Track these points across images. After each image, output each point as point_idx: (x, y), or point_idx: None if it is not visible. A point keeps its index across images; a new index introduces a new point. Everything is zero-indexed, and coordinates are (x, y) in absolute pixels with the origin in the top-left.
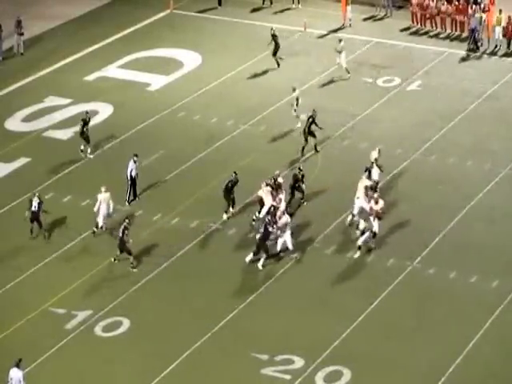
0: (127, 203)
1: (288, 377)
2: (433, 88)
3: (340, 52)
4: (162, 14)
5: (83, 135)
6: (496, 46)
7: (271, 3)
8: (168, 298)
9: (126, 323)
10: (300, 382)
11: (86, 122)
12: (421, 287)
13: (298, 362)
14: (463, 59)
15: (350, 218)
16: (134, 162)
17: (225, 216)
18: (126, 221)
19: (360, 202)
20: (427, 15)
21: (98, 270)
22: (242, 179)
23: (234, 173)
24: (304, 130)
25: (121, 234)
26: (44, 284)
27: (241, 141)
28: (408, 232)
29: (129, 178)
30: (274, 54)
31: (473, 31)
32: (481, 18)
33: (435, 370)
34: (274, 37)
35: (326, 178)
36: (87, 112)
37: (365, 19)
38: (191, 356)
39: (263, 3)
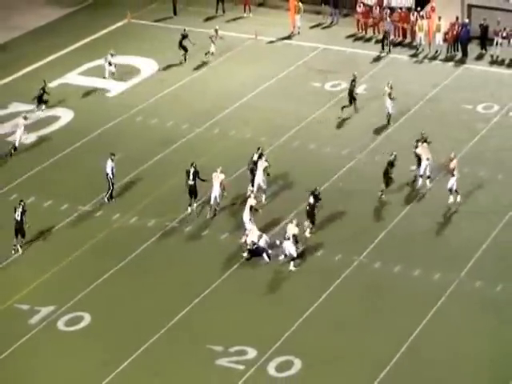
0: (106, 200)
1: (241, 367)
2: (377, 91)
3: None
4: (120, 24)
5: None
6: (436, 51)
7: (223, 12)
8: (127, 293)
9: (87, 318)
10: (253, 372)
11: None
12: (367, 281)
13: (251, 353)
14: (406, 64)
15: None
16: (112, 160)
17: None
18: (22, 203)
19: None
20: (371, 22)
21: (59, 267)
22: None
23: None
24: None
25: (19, 218)
26: (8, 281)
27: (195, 143)
28: (355, 228)
29: (109, 176)
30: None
31: (386, 33)
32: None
33: (381, 359)
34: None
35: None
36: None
37: (312, 27)
38: (149, 349)
39: (216, 12)
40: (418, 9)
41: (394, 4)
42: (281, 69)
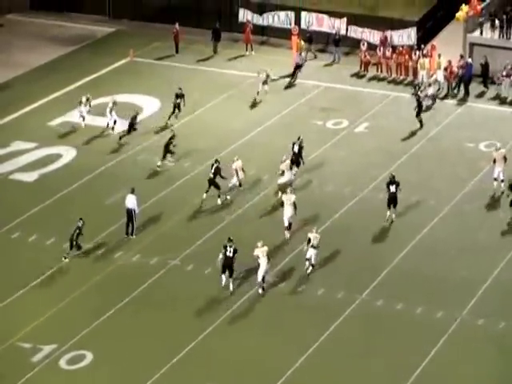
0: (132, 235)
1: None
2: (379, 129)
3: None
4: (122, 62)
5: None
6: (438, 89)
7: (215, 52)
8: (129, 331)
9: (90, 356)
10: None
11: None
12: (369, 319)
13: None
14: (408, 102)
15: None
16: (134, 194)
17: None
18: None
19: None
20: (374, 61)
21: (62, 304)
22: (202, 216)
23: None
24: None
25: None
26: (10, 319)
27: (198, 181)
28: (358, 265)
29: (134, 211)
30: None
31: (298, 67)
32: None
33: None
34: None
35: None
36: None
37: (315, 65)
38: None
39: (214, 52)
40: (422, 46)
41: (396, 42)
42: (283, 107)
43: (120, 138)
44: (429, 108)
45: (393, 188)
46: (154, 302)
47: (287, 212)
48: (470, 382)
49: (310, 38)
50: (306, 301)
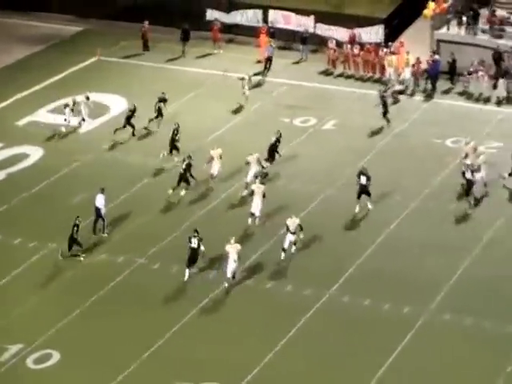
0: (104, 233)
1: None
2: (347, 127)
3: None
4: (90, 61)
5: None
6: (406, 86)
7: (183, 53)
8: (96, 330)
9: (57, 355)
10: None
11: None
12: (337, 315)
13: None
14: (375, 99)
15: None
16: (103, 194)
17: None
18: None
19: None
20: (341, 58)
21: (28, 304)
22: (170, 213)
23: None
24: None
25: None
26: None
27: (166, 178)
28: (325, 262)
29: (102, 210)
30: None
31: (269, 59)
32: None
33: None
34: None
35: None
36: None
37: (282, 63)
38: None
39: (182, 53)
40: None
41: (363, 40)
42: (250, 104)
43: (114, 132)
44: (395, 103)
45: (363, 180)
46: (121, 300)
47: (256, 202)
48: (437, 377)
49: (273, 33)
50: (273, 297)
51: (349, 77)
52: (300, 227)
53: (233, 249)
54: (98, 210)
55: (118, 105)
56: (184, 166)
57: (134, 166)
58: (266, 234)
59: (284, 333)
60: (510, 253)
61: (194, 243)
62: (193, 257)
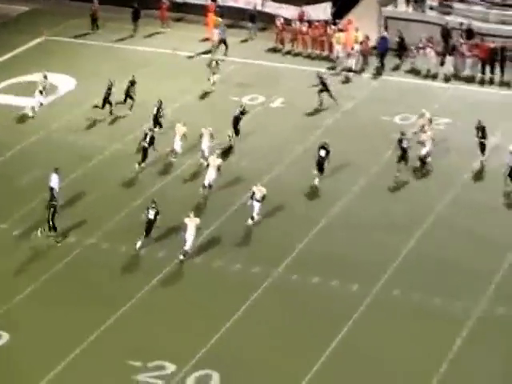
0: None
1: (160, 382)
2: (295, 104)
3: None
4: (37, 40)
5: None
6: (353, 63)
7: (134, 32)
8: (45, 311)
9: (6, 336)
10: None
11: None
12: (285, 293)
13: (170, 368)
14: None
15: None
16: (57, 174)
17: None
18: None
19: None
20: (290, 36)
21: None
22: (115, 194)
23: None
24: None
25: None
26: None
27: (114, 158)
28: (273, 240)
29: (55, 190)
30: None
31: (223, 41)
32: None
33: (301, 370)
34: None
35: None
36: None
37: (231, 41)
38: (68, 365)
39: (134, 31)
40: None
41: (312, 17)
42: (200, 83)
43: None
44: (347, 81)
45: (322, 153)
46: (71, 280)
47: (210, 174)
48: (386, 353)
49: (222, 12)
50: (222, 275)
51: (297, 54)
52: (263, 197)
53: (191, 222)
54: (52, 189)
55: (66, 84)
56: (148, 140)
57: (84, 146)
58: (216, 209)
59: (233, 311)
60: (456, 230)
61: (151, 214)
62: (148, 227)
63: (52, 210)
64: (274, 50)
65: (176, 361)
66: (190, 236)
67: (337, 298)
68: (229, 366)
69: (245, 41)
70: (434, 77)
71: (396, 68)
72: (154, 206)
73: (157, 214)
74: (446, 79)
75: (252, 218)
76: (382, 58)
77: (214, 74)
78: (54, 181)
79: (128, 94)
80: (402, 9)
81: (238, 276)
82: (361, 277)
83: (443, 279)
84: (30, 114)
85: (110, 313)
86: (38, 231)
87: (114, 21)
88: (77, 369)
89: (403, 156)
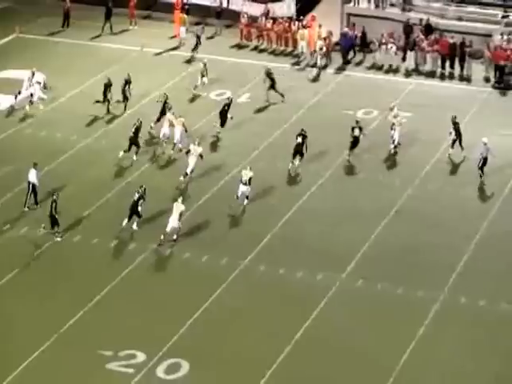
0: (26, 208)
1: (131, 370)
2: (261, 100)
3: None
4: (9, 38)
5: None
6: (316, 59)
7: (108, 29)
8: (16, 301)
9: None
10: (142, 375)
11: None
12: (252, 283)
13: (140, 357)
14: (288, 72)
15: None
16: (36, 169)
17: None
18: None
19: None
20: (255, 32)
21: None
22: (86, 191)
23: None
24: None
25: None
26: None
27: (84, 154)
28: (240, 232)
29: (34, 184)
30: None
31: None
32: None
33: (267, 359)
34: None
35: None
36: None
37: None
38: (41, 355)
39: (102, 30)
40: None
41: (276, 14)
42: (167, 79)
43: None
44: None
45: (300, 139)
46: (43, 272)
47: (191, 161)
48: (351, 342)
49: (188, 10)
50: (191, 266)
51: (262, 51)
52: (249, 181)
53: (176, 208)
54: (30, 184)
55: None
56: (133, 130)
57: (55, 142)
58: (188, 199)
59: (202, 301)
60: (420, 220)
61: (135, 196)
62: (131, 208)
63: (54, 204)
64: (240, 47)
65: (146, 350)
66: (171, 220)
67: (303, 288)
68: (198, 354)
69: (211, 37)
70: (396, 72)
71: (359, 63)
72: (139, 190)
73: (141, 198)
74: (407, 74)
75: (247, 198)
76: (344, 54)
77: (202, 76)
78: (33, 176)
79: (123, 93)
80: (364, 6)
81: (207, 267)
82: (327, 267)
83: (407, 269)
84: (41, 106)
85: (82, 304)
86: (41, 227)
87: (85, 19)
88: (49, 359)
89: (354, 143)
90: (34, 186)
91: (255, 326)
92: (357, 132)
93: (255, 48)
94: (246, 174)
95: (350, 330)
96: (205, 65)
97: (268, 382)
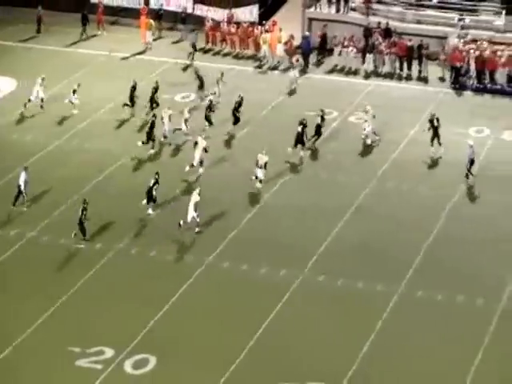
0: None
1: (100, 366)
2: (224, 101)
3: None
4: None
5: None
6: (278, 62)
7: (83, 34)
8: None
9: None
10: (110, 371)
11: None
12: (217, 280)
13: (109, 353)
14: (251, 75)
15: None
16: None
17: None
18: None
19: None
20: (219, 37)
21: None
22: (58, 190)
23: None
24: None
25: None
26: None
27: (54, 155)
28: (204, 229)
29: (21, 187)
30: None
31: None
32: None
33: (233, 352)
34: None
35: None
36: None
37: (164, 42)
38: (11, 353)
39: (81, 35)
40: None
41: (240, 19)
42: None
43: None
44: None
45: (299, 128)
46: (12, 271)
47: (196, 153)
48: (312, 336)
49: (160, 16)
50: (156, 263)
51: (226, 54)
52: (265, 165)
53: (192, 197)
54: (19, 186)
55: (7, 86)
56: (149, 125)
57: (26, 144)
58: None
59: (168, 297)
60: (378, 217)
61: (151, 182)
62: (147, 193)
63: (84, 212)
64: (205, 51)
65: (114, 346)
66: (189, 208)
67: (265, 284)
68: (165, 349)
69: (176, 42)
70: (355, 74)
71: (320, 66)
72: (156, 176)
73: (156, 183)
74: (366, 76)
75: (260, 182)
76: (306, 57)
77: (218, 83)
78: (22, 178)
79: (132, 99)
80: (325, 10)
81: (172, 263)
82: (289, 262)
83: (366, 264)
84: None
85: (51, 302)
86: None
87: (57, 25)
88: (19, 356)
89: (299, 140)
90: (19, 187)
91: (219, 322)
92: (299, 129)
93: (219, 52)
94: (262, 158)
95: (312, 324)
96: (222, 74)
97: (231, 376)
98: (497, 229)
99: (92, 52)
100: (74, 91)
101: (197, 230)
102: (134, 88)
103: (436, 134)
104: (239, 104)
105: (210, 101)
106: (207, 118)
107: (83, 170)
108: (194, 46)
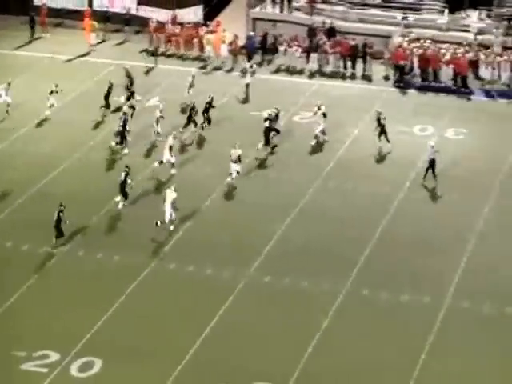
0: None
1: (45, 370)
2: (170, 102)
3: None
4: None
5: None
6: (222, 62)
7: (32, 36)
8: None
9: None
10: (56, 374)
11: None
12: (164, 281)
13: (54, 356)
14: (196, 75)
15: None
16: None
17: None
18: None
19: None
20: (163, 38)
21: None
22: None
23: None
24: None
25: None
26: None
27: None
28: (151, 231)
29: None
30: None
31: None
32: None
33: (179, 352)
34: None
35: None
36: None
37: (108, 44)
38: None
39: (32, 36)
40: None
41: (184, 20)
42: (79, 85)
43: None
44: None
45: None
46: None
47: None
48: (257, 338)
49: (108, 17)
50: (102, 266)
51: (170, 55)
52: (239, 158)
53: (168, 195)
54: None
55: None
56: (121, 123)
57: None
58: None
59: (114, 300)
60: (322, 216)
61: (122, 176)
62: (120, 188)
63: (61, 214)
64: (148, 52)
65: (60, 349)
66: (166, 207)
67: (211, 285)
68: (110, 352)
69: (121, 43)
70: (300, 73)
71: (264, 66)
72: (126, 169)
73: (126, 175)
74: (311, 75)
75: (238, 173)
76: (249, 57)
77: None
78: None
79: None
80: (270, 10)
81: (119, 265)
82: (235, 263)
83: (312, 263)
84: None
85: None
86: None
87: (3, 29)
88: None
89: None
90: None
91: (165, 323)
92: (267, 123)
93: (163, 53)
94: (235, 152)
95: (258, 325)
96: (193, 76)
97: (177, 377)
98: (441, 227)
99: (35, 54)
100: (7, 89)
101: (171, 228)
102: (109, 89)
103: (383, 131)
104: (209, 104)
105: (210, 100)
106: (207, 117)
107: (30, 173)
108: (155, 49)
